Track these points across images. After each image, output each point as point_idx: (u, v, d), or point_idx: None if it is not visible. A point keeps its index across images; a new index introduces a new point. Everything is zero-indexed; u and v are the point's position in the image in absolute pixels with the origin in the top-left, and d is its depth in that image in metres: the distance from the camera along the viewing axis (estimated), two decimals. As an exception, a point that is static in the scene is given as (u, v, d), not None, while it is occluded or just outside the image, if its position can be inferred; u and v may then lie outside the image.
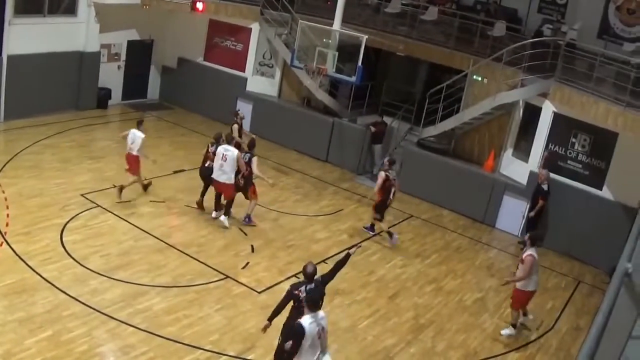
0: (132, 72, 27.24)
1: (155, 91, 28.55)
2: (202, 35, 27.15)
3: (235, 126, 20.44)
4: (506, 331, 14.43)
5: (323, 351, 9.91)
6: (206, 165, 17.57)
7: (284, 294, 10.94)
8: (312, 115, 24.31)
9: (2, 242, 14.78)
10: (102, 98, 25.78)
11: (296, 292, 10.61)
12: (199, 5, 24.31)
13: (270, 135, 24.00)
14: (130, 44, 26.74)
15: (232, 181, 17.01)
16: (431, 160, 21.59)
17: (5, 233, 15.22)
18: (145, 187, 18.65)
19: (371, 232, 18.50)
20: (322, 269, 15.72)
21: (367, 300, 14.98)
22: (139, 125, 17.92)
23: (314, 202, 19.99)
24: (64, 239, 15.36)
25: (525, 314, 14.75)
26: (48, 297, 12.99)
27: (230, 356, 12.10)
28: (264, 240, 17.04)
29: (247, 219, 17.77)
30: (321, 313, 9.86)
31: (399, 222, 19.64)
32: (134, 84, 27.52)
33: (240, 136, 20.13)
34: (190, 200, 18.40)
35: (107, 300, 13.20)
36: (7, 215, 15.99)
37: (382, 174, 17.80)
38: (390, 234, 18.06)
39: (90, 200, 17.54)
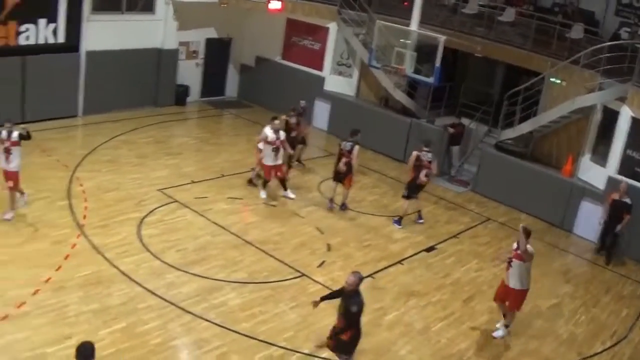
0: (211, 70, 27.36)
1: (234, 89, 28.58)
2: (280, 34, 27.03)
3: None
4: (500, 333, 13.62)
5: None
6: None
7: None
8: (389, 116, 23.90)
9: (79, 235, 14.88)
10: (181, 95, 25.97)
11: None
12: (276, 4, 24.18)
13: (347, 134, 23.69)
14: (209, 41, 26.84)
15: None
16: (509, 163, 20.93)
17: (83, 225, 15.35)
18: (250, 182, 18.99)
19: (420, 221, 18.46)
20: (398, 270, 15.56)
21: (441, 302, 14.52)
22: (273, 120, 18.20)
23: (391, 202, 19.60)
24: (141, 233, 15.38)
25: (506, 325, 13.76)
26: (124, 289, 12.99)
27: (304, 354, 11.82)
28: (341, 239, 16.74)
29: (343, 206, 18.15)
30: None
31: (476, 225, 19.06)
32: (213, 82, 27.62)
33: (298, 124, 20.23)
34: (269, 197, 18.38)
35: (182, 294, 13.11)
36: (85, 208, 16.16)
37: (414, 153, 17.92)
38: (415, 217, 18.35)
39: (168, 196, 17.54)
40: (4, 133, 14.78)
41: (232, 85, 28.56)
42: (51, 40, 21.90)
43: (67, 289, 12.73)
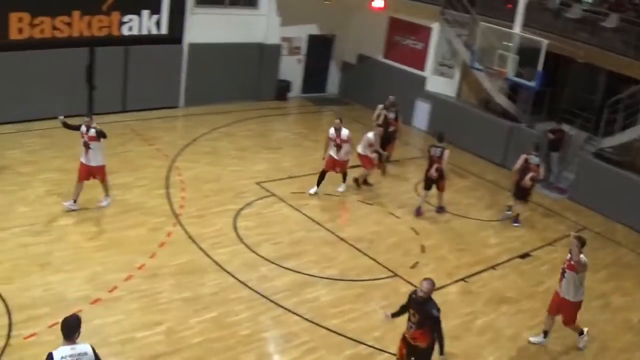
0: (313, 66, 27.35)
1: (335, 86, 28.49)
2: (382, 33, 26.71)
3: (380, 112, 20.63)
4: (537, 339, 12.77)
5: None
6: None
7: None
8: (490, 119, 23.27)
9: (175, 223, 15.01)
10: (282, 90, 26.05)
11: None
12: (379, 3, 23.93)
13: (447, 136, 23.22)
14: (311, 38, 26.84)
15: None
16: (608, 171, 20.00)
17: (179, 215, 15.49)
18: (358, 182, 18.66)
19: (516, 224, 17.93)
20: (491, 275, 15.04)
21: (533, 310, 13.88)
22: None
23: (487, 206, 19.04)
24: (236, 225, 15.39)
25: (545, 334, 12.85)
26: (216, 279, 13.01)
27: (391, 354, 11.45)
28: (435, 241, 16.34)
29: (440, 209, 17.73)
30: None
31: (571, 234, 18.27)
32: (314, 78, 27.61)
33: (396, 119, 20.39)
34: (366, 196, 18.17)
35: (274, 287, 13.02)
36: (182, 198, 16.32)
37: (522, 156, 17.63)
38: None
39: (265, 189, 17.54)
40: (83, 128, 14.90)
41: (333, 82, 28.47)
42: (154, 32, 22.35)
43: (160, 276, 12.85)
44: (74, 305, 11.53)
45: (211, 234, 14.80)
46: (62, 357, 7.75)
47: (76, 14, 20.77)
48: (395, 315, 10.30)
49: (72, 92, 21.13)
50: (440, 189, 17.49)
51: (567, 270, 12.08)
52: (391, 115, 19.91)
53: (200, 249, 14.08)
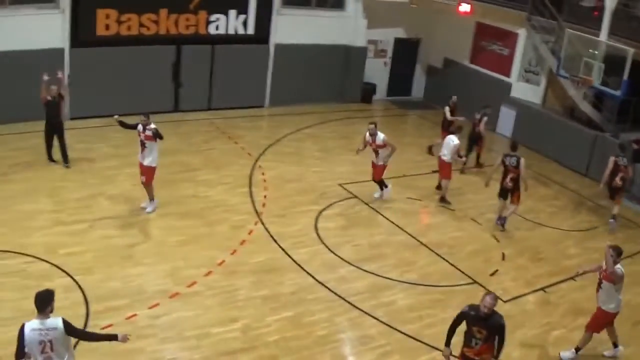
0: (398, 70, 27.18)
1: (420, 90, 28.25)
2: (468, 37, 26.30)
3: (447, 108, 20.79)
4: (567, 354, 12.03)
5: None
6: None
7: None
8: (574, 127, 22.63)
9: (257, 222, 15.06)
10: (367, 93, 25.96)
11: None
12: (465, 7, 23.59)
13: (531, 143, 22.71)
14: (397, 41, 26.69)
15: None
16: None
17: (261, 213, 15.54)
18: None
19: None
20: (570, 286, 14.47)
21: (608, 324, 13.39)
22: (455, 131, 17.62)
23: (569, 216, 18.45)
24: (317, 225, 15.35)
25: (615, 344, 12.20)
26: (295, 279, 12.98)
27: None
28: (515, 249, 15.88)
29: (501, 221, 16.81)
30: None
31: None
32: (399, 81, 27.45)
33: (480, 120, 20.17)
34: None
35: (353, 289, 12.89)
36: (265, 197, 16.38)
37: (611, 159, 17.35)
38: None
39: (348, 191, 17.44)
40: (140, 127, 14.86)
41: (418, 86, 28.24)
42: (241, 31, 22.60)
43: (240, 273, 12.91)
44: (153, 298, 11.72)
45: (292, 233, 14.79)
46: (32, 329, 8.02)
47: (163, 12, 21.20)
48: (449, 342, 9.88)
49: (158, 89, 21.52)
50: (513, 200, 16.72)
51: (603, 281, 11.62)
52: (476, 117, 19.70)
53: (281, 248, 14.08)
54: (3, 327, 10.64)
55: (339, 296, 12.57)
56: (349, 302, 12.40)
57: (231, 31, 22.41)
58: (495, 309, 9.29)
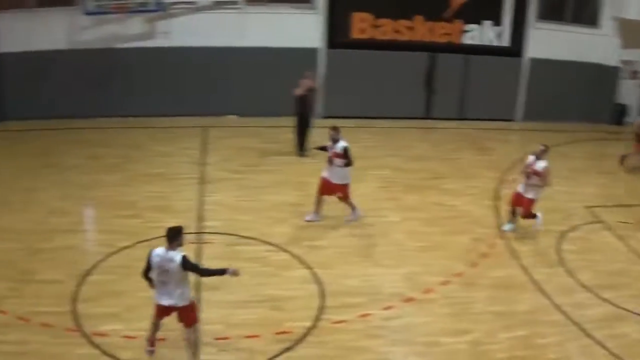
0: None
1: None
2: None
3: None
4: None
5: None
6: None
7: None
8: None
9: (499, 236, 15.04)
10: (619, 114, 24.74)
11: None
12: None
13: None
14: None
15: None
16: None
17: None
18: None
19: None
20: None
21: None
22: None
23: None
24: (560, 247, 15.03)
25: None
26: (531, 298, 12.86)
27: None
28: None
29: None
30: None
31: None
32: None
33: None
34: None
35: (587, 316, 12.48)
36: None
37: None
38: None
39: (594, 214, 16.89)
40: (330, 142, 14.75)
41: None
42: (495, 43, 22.55)
43: (477, 286, 12.99)
44: (387, 299, 12.16)
45: (533, 252, 14.62)
46: (156, 254, 9.58)
47: (419, 19, 21.75)
48: None
49: (409, 95, 22.05)
50: None
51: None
52: None
53: (520, 265, 13.96)
54: (239, 309, 11.70)
55: (573, 321, 12.24)
56: (582, 329, 12.05)
57: (485, 42, 22.48)
58: None
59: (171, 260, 9.46)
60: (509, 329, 11.75)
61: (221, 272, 9.74)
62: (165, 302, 9.77)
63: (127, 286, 12.29)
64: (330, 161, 14.76)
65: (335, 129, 14.90)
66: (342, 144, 14.66)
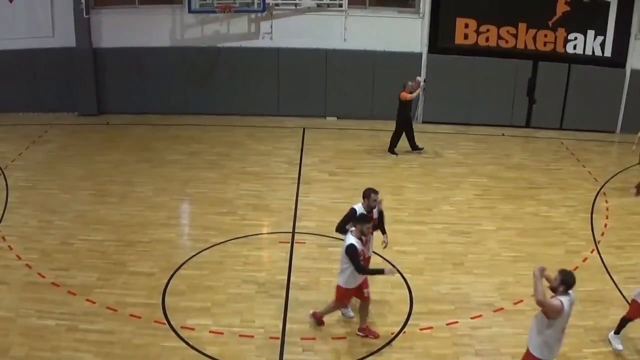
0: None
1: None
2: None
3: None
4: None
5: None
6: None
7: None
8: None
9: (593, 250, 14.81)
10: None
11: None
12: None
13: None
14: None
15: None
16: None
17: (599, 242, 15.20)
18: None
19: None
20: None
21: None
22: None
23: None
24: (656, 265, 14.68)
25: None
26: (620, 314, 12.32)
27: None
28: None
29: None
30: None
31: None
32: None
33: None
34: None
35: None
36: (605, 226, 15.98)
37: None
38: None
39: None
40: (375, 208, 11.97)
41: None
42: (598, 53, 22.06)
43: (575, 300, 12.75)
44: (477, 308, 12.17)
45: (627, 267, 14.21)
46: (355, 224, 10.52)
47: (522, 26, 21.56)
48: None
49: (510, 103, 21.88)
50: None
51: None
52: None
53: (612, 280, 13.66)
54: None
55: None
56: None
57: (588, 52, 22.00)
58: None
59: (344, 242, 10.57)
60: (596, 344, 11.55)
61: (379, 272, 10.76)
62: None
63: (217, 282, 12.77)
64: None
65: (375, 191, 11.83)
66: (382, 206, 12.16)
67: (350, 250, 10.25)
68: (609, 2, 21.60)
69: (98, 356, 10.66)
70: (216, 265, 13.49)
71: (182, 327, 11.34)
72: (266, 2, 21.66)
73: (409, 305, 12.19)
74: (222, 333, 11.25)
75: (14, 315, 11.66)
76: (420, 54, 22.30)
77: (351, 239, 10.32)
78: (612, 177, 18.89)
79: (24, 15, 22.15)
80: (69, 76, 22.50)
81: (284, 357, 10.77)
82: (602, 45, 22.00)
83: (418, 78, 19.62)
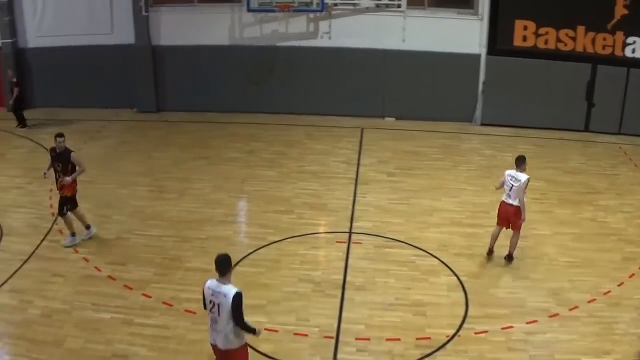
0: None
1: None
2: None
3: None
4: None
5: None
6: None
7: None
8: None
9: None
10: None
11: None
12: None
13: None
14: None
15: None
16: None
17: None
18: None
19: None
20: None
21: None
22: None
23: None
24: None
25: None
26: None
27: None
28: None
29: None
30: None
31: None
32: None
33: None
34: None
35: None
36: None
37: None
38: None
39: None
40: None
41: None
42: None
43: (622, 306, 12.72)
44: (532, 313, 12.21)
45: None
46: (208, 287, 8.74)
47: (581, 29, 21.41)
48: None
49: (568, 107, 21.78)
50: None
51: None
52: None
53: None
54: (382, 311, 12.14)
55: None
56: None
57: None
58: None
59: (224, 295, 8.64)
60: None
61: (252, 331, 8.97)
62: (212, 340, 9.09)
63: (273, 279, 13.10)
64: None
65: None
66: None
67: (236, 306, 8.64)
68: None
69: (152, 350, 11.03)
70: (272, 263, 13.79)
71: (236, 324, 11.62)
72: (325, 2, 21.90)
73: (464, 309, 12.32)
74: (276, 331, 11.54)
75: (70, 307, 12.13)
76: (479, 56, 22.33)
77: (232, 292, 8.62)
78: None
79: (83, 12, 22.82)
80: (127, 73, 23.16)
81: (337, 357, 11.02)
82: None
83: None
